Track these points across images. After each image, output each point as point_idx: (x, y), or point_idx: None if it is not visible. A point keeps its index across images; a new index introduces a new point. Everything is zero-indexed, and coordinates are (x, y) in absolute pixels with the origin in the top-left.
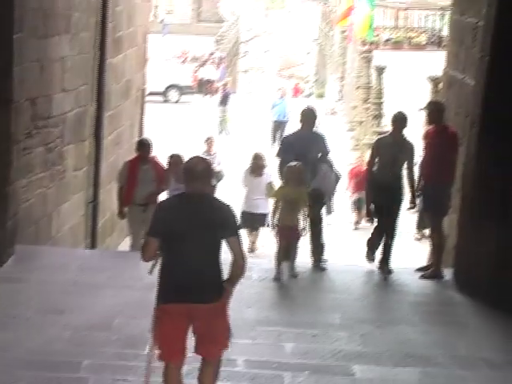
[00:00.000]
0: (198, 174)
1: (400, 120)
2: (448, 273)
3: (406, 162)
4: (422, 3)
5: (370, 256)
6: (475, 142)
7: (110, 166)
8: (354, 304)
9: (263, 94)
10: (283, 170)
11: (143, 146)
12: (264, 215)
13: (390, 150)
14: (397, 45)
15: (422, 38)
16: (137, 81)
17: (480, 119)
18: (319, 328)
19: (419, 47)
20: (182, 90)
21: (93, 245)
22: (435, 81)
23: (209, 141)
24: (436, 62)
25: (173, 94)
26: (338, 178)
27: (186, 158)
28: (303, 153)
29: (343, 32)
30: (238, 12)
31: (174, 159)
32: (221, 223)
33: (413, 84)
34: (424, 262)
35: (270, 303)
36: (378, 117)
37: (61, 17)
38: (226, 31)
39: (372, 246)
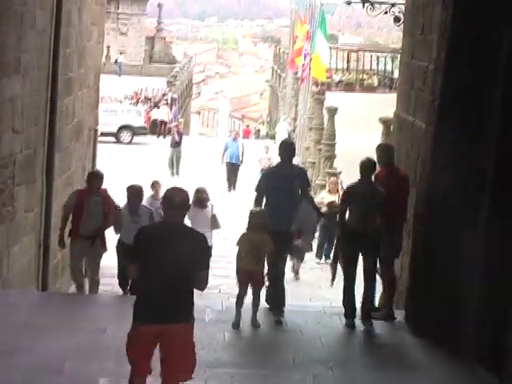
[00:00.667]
0: (176, 204)
1: (369, 167)
2: (400, 314)
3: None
4: (374, 45)
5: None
6: (426, 183)
7: (61, 207)
8: (306, 345)
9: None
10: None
11: (95, 177)
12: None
13: (362, 198)
14: (349, 86)
15: (374, 80)
16: (88, 121)
17: (431, 161)
18: (271, 369)
19: (371, 89)
20: (135, 131)
21: (44, 286)
22: (386, 122)
23: (156, 185)
24: (387, 103)
25: (125, 135)
26: (319, 216)
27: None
28: (283, 188)
29: (295, 73)
30: (191, 53)
31: (134, 189)
32: (193, 256)
33: (364, 125)
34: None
35: (223, 344)
36: (330, 158)
37: (11, 58)
38: (179, 72)
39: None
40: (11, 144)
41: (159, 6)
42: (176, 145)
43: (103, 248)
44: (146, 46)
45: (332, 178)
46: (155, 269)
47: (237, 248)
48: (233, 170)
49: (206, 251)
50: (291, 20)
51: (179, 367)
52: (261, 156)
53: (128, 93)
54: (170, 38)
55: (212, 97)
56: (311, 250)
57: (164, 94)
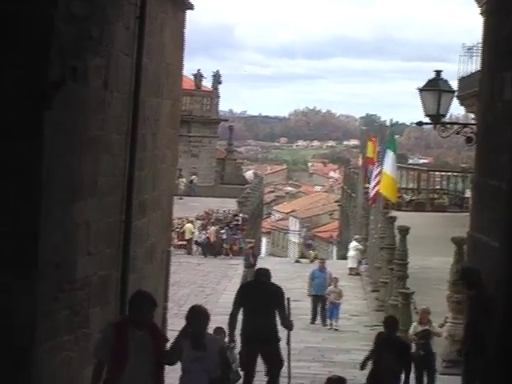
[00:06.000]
0: None
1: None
2: None
3: None
4: (443, 165)
5: None
6: (503, 303)
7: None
8: None
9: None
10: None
11: (140, 301)
12: None
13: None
14: (419, 206)
15: (445, 200)
16: (161, 243)
17: (507, 282)
18: None
19: (441, 208)
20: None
21: None
22: (459, 242)
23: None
24: (458, 223)
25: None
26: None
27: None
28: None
29: (366, 194)
30: (261, 174)
31: (199, 312)
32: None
33: (435, 245)
34: None
35: None
36: (403, 278)
37: (87, 181)
38: (250, 193)
39: None
40: (86, 267)
41: (230, 128)
42: (251, 266)
43: None
44: (216, 167)
45: (423, 308)
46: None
47: None
48: (319, 302)
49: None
50: (360, 141)
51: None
52: (329, 289)
53: (199, 213)
54: (240, 160)
55: (282, 217)
56: None
57: (235, 215)
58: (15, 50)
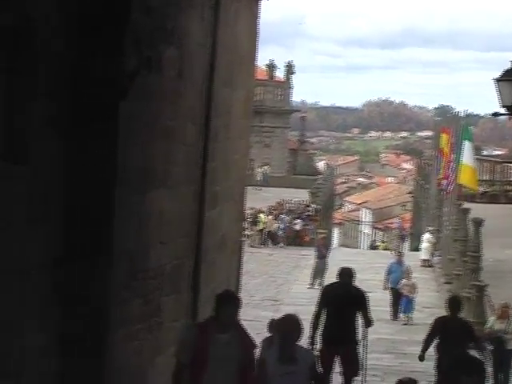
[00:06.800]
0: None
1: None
2: None
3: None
4: None
5: None
6: None
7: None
8: None
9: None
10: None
11: (229, 302)
12: None
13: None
14: (493, 198)
15: None
16: (233, 234)
17: None
18: None
19: None
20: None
21: None
22: None
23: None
24: None
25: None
26: None
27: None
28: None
29: (439, 185)
30: (333, 165)
31: (290, 321)
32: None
33: (510, 237)
34: None
35: None
36: (476, 270)
37: (160, 171)
38: (322, 184)
39: None
40: (159, 256)
41: (302, 119)
42: (322, 256)
43: None
44: (289, 157)
45: (502, 303)
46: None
47: None
48: (398, 296)
49: None
50: (434, 132)
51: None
52: (402, 282)
53: (271, 204)
54: (312, 150)
55: (354, 208)
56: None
57: (307, 206)
58: (93, 41)
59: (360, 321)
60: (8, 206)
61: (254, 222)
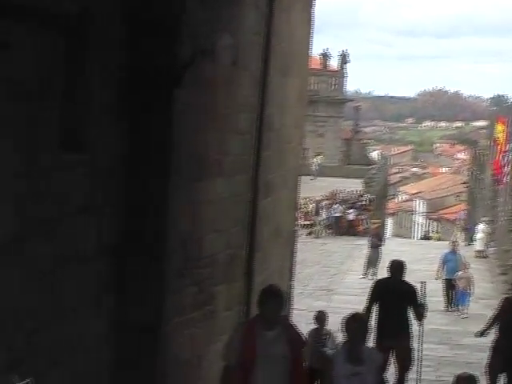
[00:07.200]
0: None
1: None
2: None
3: None
4: None
5: None
6: None
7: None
8: None
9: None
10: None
11: (272, 298)
12: None
13: None
14: None
15: None
16: (287, 222)
17: None
18: None
19: None
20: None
21: None
22: None
23: (322, 317)
24: None
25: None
26: None
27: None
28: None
29: (494, 175)
30: (387, 155)
31: (359, 318)
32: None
33: None
34: None
35: None
36: None
37: (214, 159)
38: (375, 174)
39: None
40: (213, 244)
41: (356, 108)
42: (376, 246)
43: None
44: (342, 147)
45: None
46: None
47: None
48: (452, 287)
49: None
50: (489, 122)
51: None
52: (458, 274)
53: (325, 193)
54: (366, 140)
55: (408, 198)
56: None
57: (361, 195)
58: (149, 30)
59: (411, 315)
60: (68, 195)
61: (308, 211)
